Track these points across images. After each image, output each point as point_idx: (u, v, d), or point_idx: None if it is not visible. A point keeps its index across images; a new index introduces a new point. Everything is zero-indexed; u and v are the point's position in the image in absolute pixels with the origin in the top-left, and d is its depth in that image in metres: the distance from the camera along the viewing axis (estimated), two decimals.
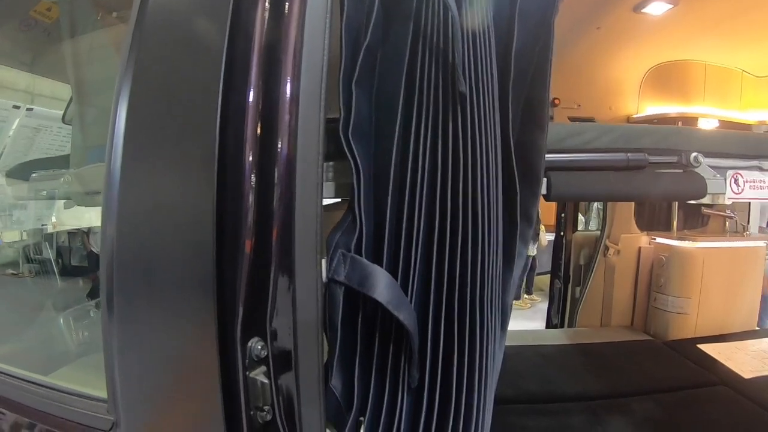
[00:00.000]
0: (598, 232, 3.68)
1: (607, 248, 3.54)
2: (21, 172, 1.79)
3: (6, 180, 1.99)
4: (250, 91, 0.68)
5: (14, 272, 3.05)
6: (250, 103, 0.68)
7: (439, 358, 0.88)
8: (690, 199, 2.77)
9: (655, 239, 3.57)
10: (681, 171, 1.27)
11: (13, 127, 2.58)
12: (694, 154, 1.24)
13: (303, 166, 0.68)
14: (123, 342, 0.69)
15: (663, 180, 1.26)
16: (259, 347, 0.68)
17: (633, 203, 3.56)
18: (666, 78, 3.64)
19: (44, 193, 1.61)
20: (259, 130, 0.68)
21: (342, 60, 0.81)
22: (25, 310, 2.50)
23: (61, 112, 2.48)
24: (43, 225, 3.23)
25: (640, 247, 3.55)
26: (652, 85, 3.62)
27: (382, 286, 0.80)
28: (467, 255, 0.87)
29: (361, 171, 0.83)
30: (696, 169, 1.27)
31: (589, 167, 1.18)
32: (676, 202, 3.74)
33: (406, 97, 0.84)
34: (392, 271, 0.86)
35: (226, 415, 0.68)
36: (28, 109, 2.58)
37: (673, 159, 1.24)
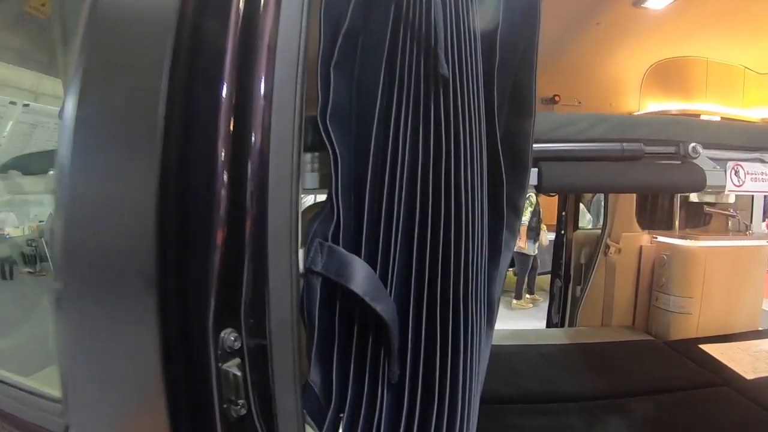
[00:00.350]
0: (599, 231, 3.65)
1: (608, 247, 3.51)
2: (20, 165, 1.77)
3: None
4: (219, 76, 0.65)
5: (30, 270, 3.06)
6: (221, 92, 0.65)
7: (420, 353, 0.85)
8: (688, 192, 2.74)
9: (656, 238, 3.53)
10: (679, 162, 1.24)
11: (10, 123, 2.59)
12: (692, 144, 1.20)
13: (276, 152, 0.65)
14: (72, 341, 0.67)
15: (660, 171, 1.23)
16: (233, 338, 0.65)
17: (634, 201, 3.57)
18: (667, 74, 3.61)
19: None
20: (231, 116, 0.65)
21: (320, 44, 0.78)
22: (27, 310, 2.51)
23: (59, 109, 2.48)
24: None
25: (641, 246, 3.52)
26: (653, 81, 3.60)
27: (359, 276, 0.78)
28: (450, 246, 0.84)
29: (339, 157, 0.80)
30: (695, 161, 1.23)
31: (583, 157, 1.14)
32: (678, 200, 3.72)
33: (387, 82, 0.82)
34: (371, 261, 0.83)
35: (197, 409, 0.65)
36: (24, 105, 2.58)
37: (671, 149, 1.21)
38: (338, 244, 0.82)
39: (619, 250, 3.47)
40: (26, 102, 2.59)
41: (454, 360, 0.86)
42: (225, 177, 0.63)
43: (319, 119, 0.79)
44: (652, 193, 3.58)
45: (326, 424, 0.82)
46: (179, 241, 0.62)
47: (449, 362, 0.86)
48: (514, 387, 2.47)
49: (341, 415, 0.84)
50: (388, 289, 0.83)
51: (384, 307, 0.79)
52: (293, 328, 0.68)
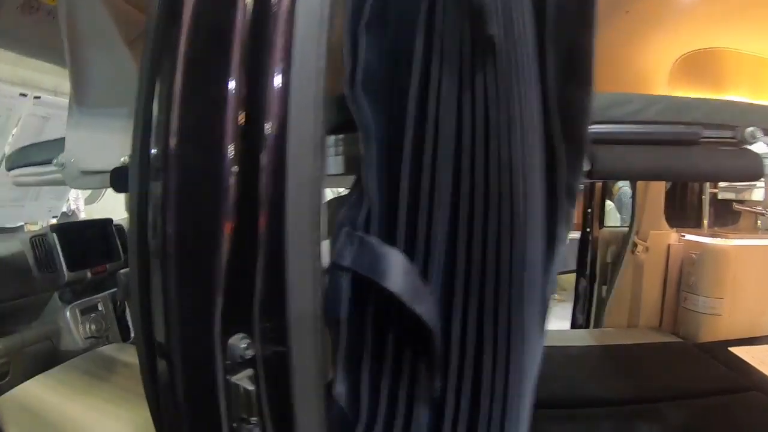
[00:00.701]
0: (625, 229, 3.52)
1: (635, 245, 3.39)
2: (19, 157, 1.72)
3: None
4: (230, 40, 0.55)
5: None
6: (231, 60, 0.55)
7: (465, 365, 0.72)
8: (743, 180, 2.63)
9: (684, 236, 3.41)
10: (734, 148, 1.12)
11: (21, 115, 2.55)
12: (750, 129, 1.08)
13: (296, 126, 0.55)
14: None
15: (716, 157, 1.11)
16: (244, 345, 0.55)
17: (663, 197, 3.44)
18: (697, 66, 3.46)
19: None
20: (242, 89, 0.55)
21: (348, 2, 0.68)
22: None
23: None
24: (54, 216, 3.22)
25: (669, 245, 3.41)
26: (682, 73, 3.46)
27: (396, 272, 0.66)
28: (503, 236, 0.71)
29: (371, 132, 0.69)
30: (751, 147, 1.11)
31: (636, 141, 1.03)
32: (707, 197, 3.61)
33: (425, 46, 0.70)
34: (408, 255, 0.70)
35: (201, 429, 0.56)
36: (35, 98, 2.54)
37: (728, 134, 1.09)
38: (369, 234, 0.70)
39: (647, 249, 3.35)
40: (37, 94, 2.54)
41: (506, 371, 0.73)
42: (232, 154, 0.53)
43: (346, 89, 0.69)
44: (700, 182, 3.49)
45: None
46: (179, 226, 0.53)
47: (503, 374, 0.73)
48: (539, 391, 2.37)
49: None
50: (429, 287, 0.71)
51: (425, 308, 0.67)
52: (316, 333, 0.57)
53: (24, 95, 2.50)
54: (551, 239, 0.82)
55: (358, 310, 0.71)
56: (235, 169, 0.54)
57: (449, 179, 0.71)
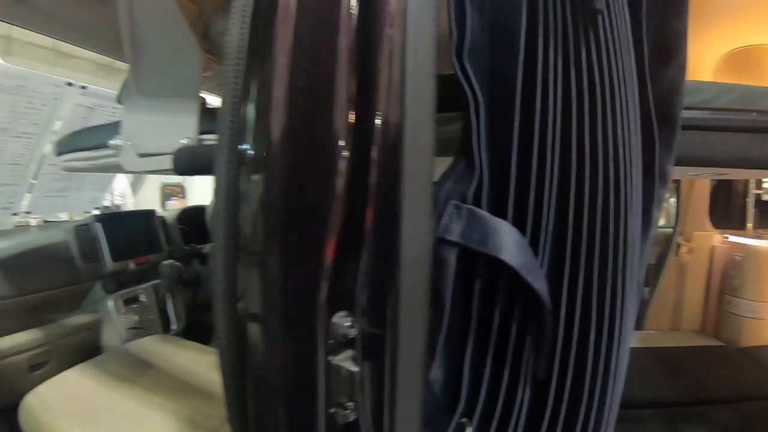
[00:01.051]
0: (670, 229, 3.45)
1: (679, 246, 3.32)
2: (70, 142, 1.72)
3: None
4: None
5: None
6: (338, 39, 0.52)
7: (572, 344, 0.69)
8: None
9: (728, 238, 3.33)
10: None
11: (68, 105, 2.57)
12: None
13: (412, 107, 0.52)
14: None
15: None
16: (347, 325, 0.52)
17: (707, 198, 3.36)
18: (742, 63, 3.39)
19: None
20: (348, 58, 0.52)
21: None
22: None
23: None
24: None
25: (713, 246, 3.33)
26: (727, 71, 3.38)
27: (512, 245, 0.63)
28: (610, 212, 0.68)
29: (480, 102, 0.66)
30: None
31: (712, 127, 0.99)
32: (751, 199, 3.52)
33: (530, 19, 0.67)
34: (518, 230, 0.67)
35: (296, 414, 0.53)
36: (81, 88, 2.55)
37: None
38: (480, 208, 0.67)
39: (691, 250, 3.29)
40: (83, 84, 2.56)
41: (608, 355, 0.70)
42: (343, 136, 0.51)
43: (454, 57, 0.66)
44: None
45: (449, 430, 0.68)
46: (287, 204, 0.50)
47: (604, 358, 0.70)
48: None
49: (464, 420, 0.69)
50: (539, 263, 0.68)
51: (541, 284, 0.64)
52: (424, 313, 0.54)
53: (70, 85, 2.51)
54: (647, 221, 0.79)
55: (463, 288, 0.68)
56: (345, 149, 0.51)
57: (558, 153, 0.68)
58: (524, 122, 0.68)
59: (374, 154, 0.50)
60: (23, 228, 2.84)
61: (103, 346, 2.56)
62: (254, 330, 0.55)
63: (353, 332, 0.52)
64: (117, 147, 1.34)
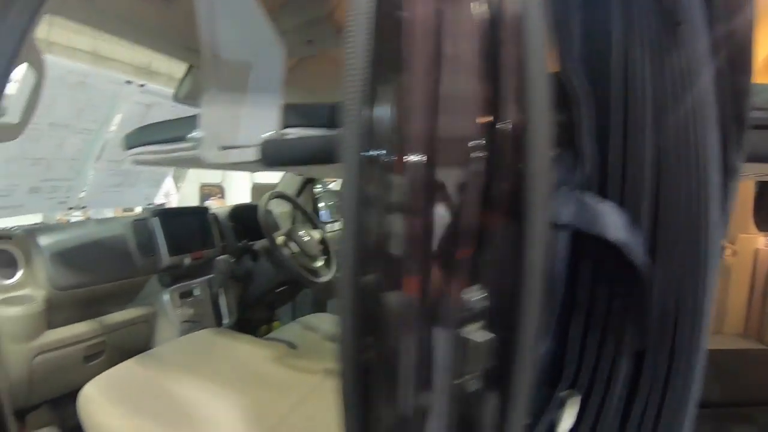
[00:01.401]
0: None
1: (723, 249, 3.29)
2: (140, 136, 1.74)
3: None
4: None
5: None
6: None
7: (667, 319, 0.73)
8: None
9: None
10: None
11: (127, 103, 2.62)
12: None
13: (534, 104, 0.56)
14: None
15: None
16: (478, 297, 0.56)
17: (752, 199, 3.33)
18: None
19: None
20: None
21: None
22: None
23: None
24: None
25: (757, 249, 3.30)
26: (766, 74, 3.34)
27: (617, 226, 0.68)
28: (694, 202, 0.73)
29: (585, 101, 0.71)
30: None
31: None
32: None
33: (623, 21, 0.72)
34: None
35: (420, 386, 0.57)
36: (140, 86, 2.61)
37: None
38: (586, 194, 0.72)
39: (735, 253, 3.26)
40: (141, 82, 2.62)
41: (699, 331, 0.73)
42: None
43: (565, 62, 0.71)
44: None
45: (552, 402, 0.73)
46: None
47: (696, 334, 0.73)
48: None
49: (562, 393, 0.74)
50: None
51: (642, 262, 0.69)
52: (543, 288, 0.58)
53: (129, 83, 2.57)
54: (723, 212, 0.83)
55: (570, 267, 0.74)
56: (482, 149, 0.55)
57: (651, 153, 0.72)
58: (621, 119, 0.73)
59: (504, 152, 0.55)
60: (81, 222, 2.92)
61: (157, 339, 2.62)
62: (383, 303, 0.59)
63: (482, 305, 0.56)
64: (196, 140, 1.36)
